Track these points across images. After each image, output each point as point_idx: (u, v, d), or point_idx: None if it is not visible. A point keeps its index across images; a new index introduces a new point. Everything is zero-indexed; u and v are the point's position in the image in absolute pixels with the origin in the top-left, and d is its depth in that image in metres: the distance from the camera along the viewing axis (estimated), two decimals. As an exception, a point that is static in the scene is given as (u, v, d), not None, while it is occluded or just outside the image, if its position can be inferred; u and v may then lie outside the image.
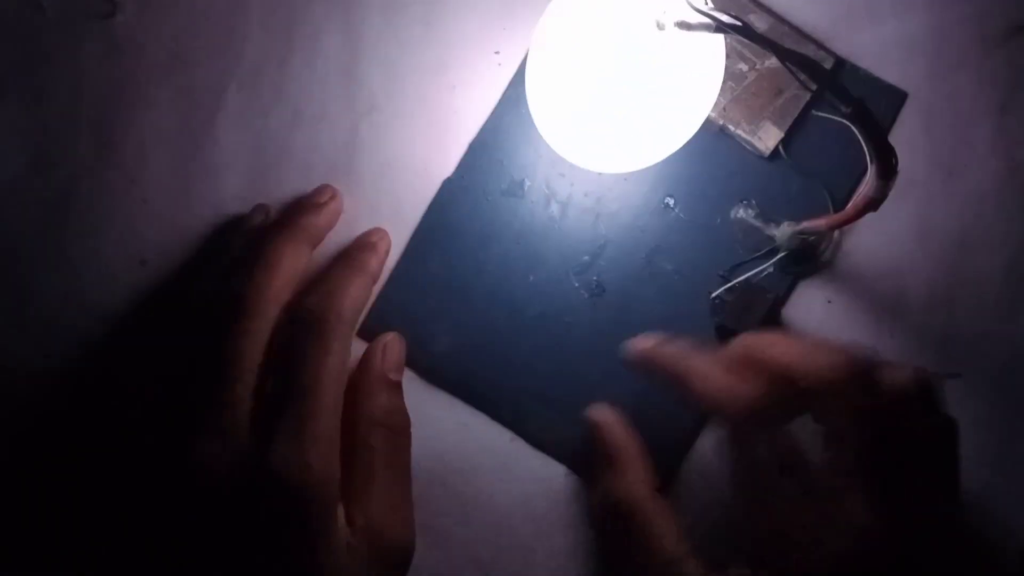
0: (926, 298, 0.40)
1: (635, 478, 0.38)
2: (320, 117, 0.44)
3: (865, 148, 0.32)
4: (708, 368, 0.36)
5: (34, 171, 0.43)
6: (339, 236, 0.42)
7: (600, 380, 0.41)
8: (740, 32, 0.32)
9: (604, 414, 0.40)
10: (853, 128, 0.32)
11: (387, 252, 0.42)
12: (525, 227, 0.42)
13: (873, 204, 0.34)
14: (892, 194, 0.34)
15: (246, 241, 0.41)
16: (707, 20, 0.32)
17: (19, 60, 0.43)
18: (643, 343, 0.39)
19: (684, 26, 0.33)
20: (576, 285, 0.41)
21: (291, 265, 0.38)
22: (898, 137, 0.43)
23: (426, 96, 0.43)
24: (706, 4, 0.33)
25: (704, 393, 0.36)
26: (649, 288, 0.41)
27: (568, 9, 0.36)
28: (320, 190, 0.42)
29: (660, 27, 0.34)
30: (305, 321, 0.36)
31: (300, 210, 0.41)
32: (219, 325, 0.36)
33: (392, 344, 0.40)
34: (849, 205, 0.36)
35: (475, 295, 0.41)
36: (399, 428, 0.39)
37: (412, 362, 0.41)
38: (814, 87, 0.37)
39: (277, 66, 0.44)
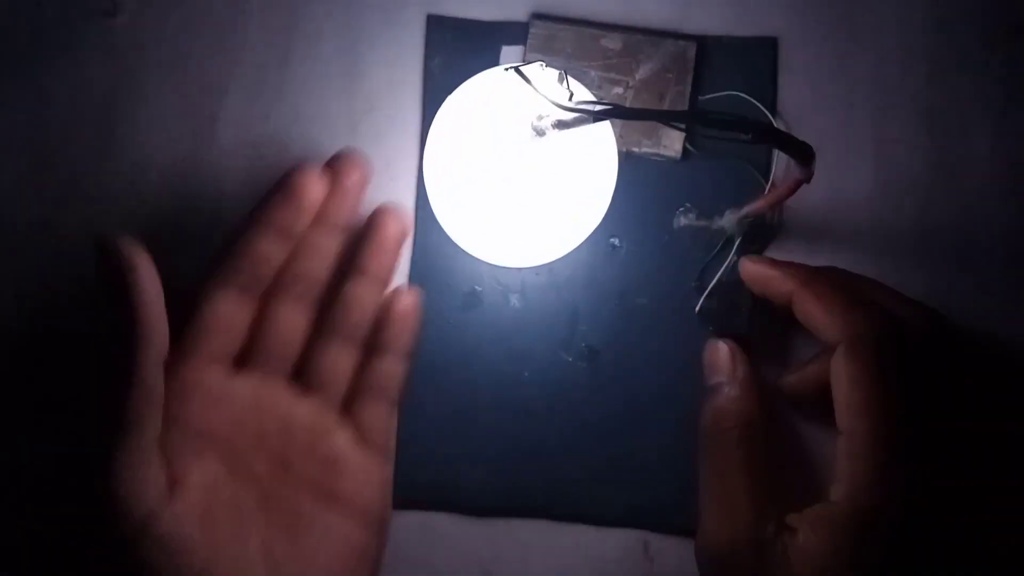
0: (922, 296, 0.40)
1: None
2: (320, 117, 0.44)
3: (780, 151, 0.34)
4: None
5: (34, 171, 0.43)
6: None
7: (638, 432, 0.41)
8: (614, 115, 0.33)
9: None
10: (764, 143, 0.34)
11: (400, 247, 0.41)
12: (497, 331, 0.41)
13: (806, 181, 0.35)
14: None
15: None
16: (581, 115, 0.33)
17: (19, 60, 0.43)
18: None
19: (561, 126, 0.34)
20: (570, 359, 0.41)
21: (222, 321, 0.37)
22: (898, 137, 0.43)
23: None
24: (570, 97, 0.34)
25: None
26: (635, 329, 0.41)
27: (451, 126, 0.37)
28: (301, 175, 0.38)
29: (540, 133, 0.35)
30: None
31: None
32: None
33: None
34: (781, 187, 0.37)
35: (482, 416, 0.41)
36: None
37: (454, 506, 0.41)
38: (713, 133, 0.39)
39: (277, 66, 0.44)
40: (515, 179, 0.35)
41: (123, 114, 0.43)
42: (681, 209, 0.42)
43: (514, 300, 0.41)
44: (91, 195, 0.43)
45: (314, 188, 0.37)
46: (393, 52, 0.44)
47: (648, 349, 0.41)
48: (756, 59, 0.43)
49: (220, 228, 0.43)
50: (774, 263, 0.39)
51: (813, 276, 0.38)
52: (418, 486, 0.40)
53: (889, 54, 0.43)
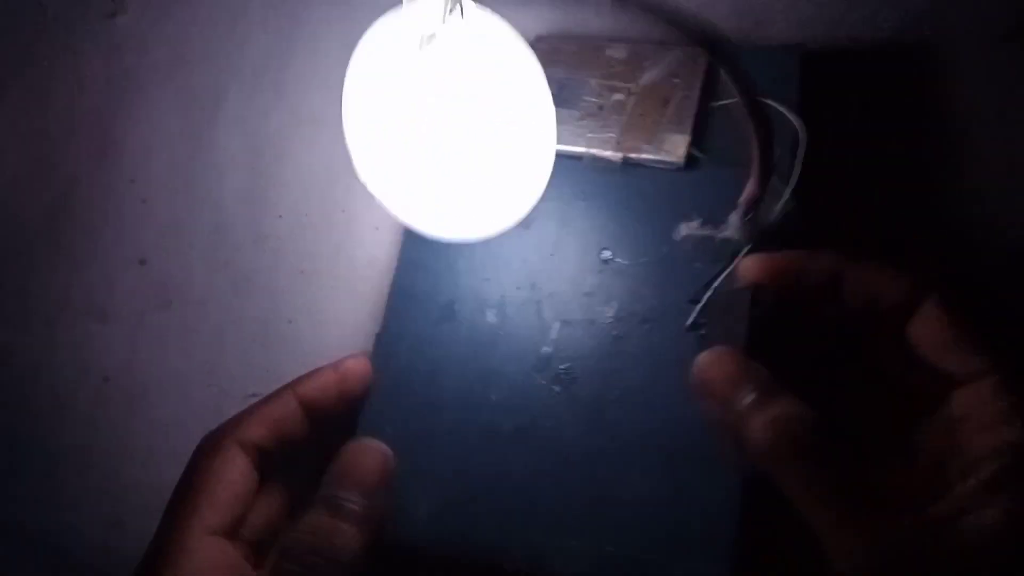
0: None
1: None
2: (320, 118, 0.44)
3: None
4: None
5: (34, 171, 0.43)
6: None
7: (612, 475, 0.34)
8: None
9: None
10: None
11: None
12: (469, 347, 0.37)
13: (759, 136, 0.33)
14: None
15: None
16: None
17: (20, 60, 0.43)
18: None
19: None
20: (544, 382, 0.36)
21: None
22: (899, 137, 0.43)
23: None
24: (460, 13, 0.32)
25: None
26: (623, 353, 0.36)
27: (361, 80, 0.34)
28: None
29: (428, 40, 0.32)
30: None
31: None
32: None
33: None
34: (756, 158, 0.34)
35: (440, 440, 0.36)
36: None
37: (389, 541, 0.34)
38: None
39: (277, 66, 0.44)
40: (435, 119, 0.32)
41: (123, 114, 0.43)
42: (684, 217, 0.38)
43: (491, 315, 0.38)
44: (91, 195, 0.43)
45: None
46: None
47: (635, 375, 0.36)
48: (780, 66, 0.39)
49: (220, 228, 0.43)
50: (793, 253, 0.35)
51: (850, 253, 0.34)
52: None
53: (889, 53, 0.43)
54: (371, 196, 0.43)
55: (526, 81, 0.34)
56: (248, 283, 0.43)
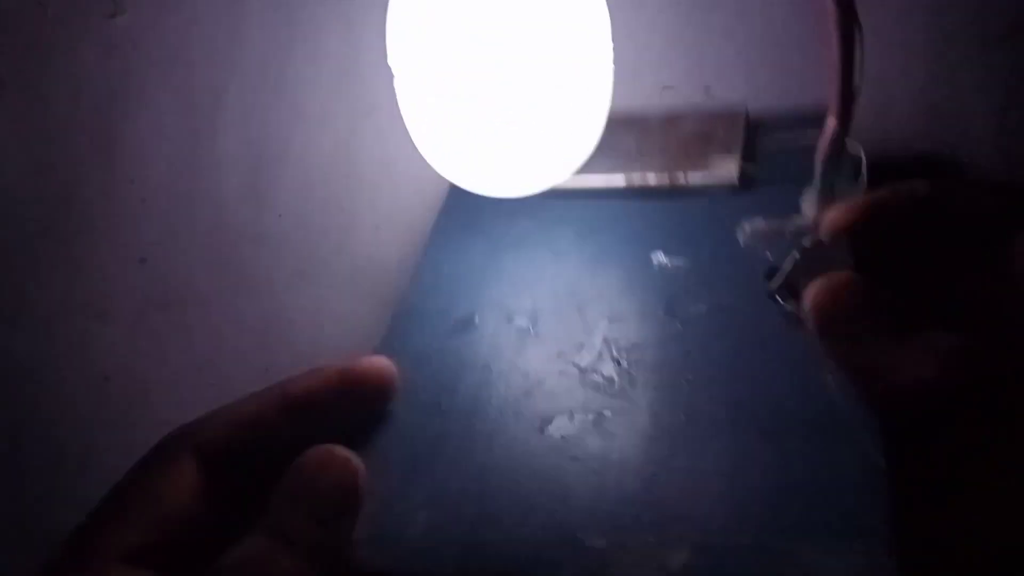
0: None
1: None
2: (320, 117, 0.44)
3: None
4: None
5: (34, 171, 0.43)
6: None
7: (705, 462, 0.27)
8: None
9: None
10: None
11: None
12: (489, 355, 0.32)
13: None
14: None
15: None
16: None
17: (20, 59, 0.43)
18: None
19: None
20: (602, 379, 0.31)
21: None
22: (899, 136, 0.43)
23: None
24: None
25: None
26: (684, 342, 0.32)
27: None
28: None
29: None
30: None
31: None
32: None
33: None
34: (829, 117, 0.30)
35: (464, 450, 0.29)
36: None
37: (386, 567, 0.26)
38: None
39: (277, 66, 0.44)
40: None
41: (123, 114, 0.43)
42: (745, 218, 0.34)
43: (520, 320, 0.34)
44: (91, 195, 0.43)
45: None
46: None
47: (710, 357, 0.31)
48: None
49: (220, 228, 0.43)
50: (879, 190, 0.31)
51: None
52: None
53: (889, 54, 0.43)
54: (374, 192, 0.43)
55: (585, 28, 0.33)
56: (248, 283, 0.43)
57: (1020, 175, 0.43)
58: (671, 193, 0.36)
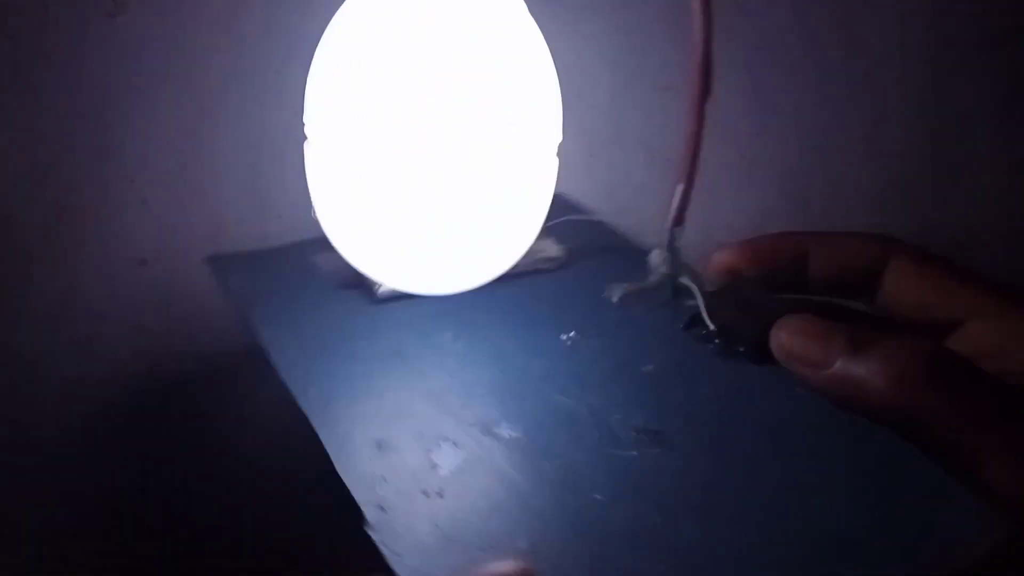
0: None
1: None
2: (320, 117, 0.44)
3: None
4: None
5: (34, 171, 0.43)
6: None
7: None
8: None
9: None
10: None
11: None
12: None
13: None
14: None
15: None
16: None
17: (20, 59, 0.43)
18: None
19: None
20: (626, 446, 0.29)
21: None
22: (899, 136, 0.43)
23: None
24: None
25: None
26: (660, 399, 0.32)
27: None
28: None
29: None
30: None
31: None
32: None
33: None
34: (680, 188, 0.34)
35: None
36: None
37: None
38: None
39: (277, 66, 0.44)
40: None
41: (123, 114, 0.43)
42: (605, 294, 0.36)
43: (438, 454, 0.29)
44: (91, 195, 0.43)
45: None
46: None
47: (683, 416, 0.31)
48: None
49: (220, 228, 0.43)
50: (761, 236, 0.35)
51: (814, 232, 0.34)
52: None
53: (889, 54, 0.43)
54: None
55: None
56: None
57: (1020, 176, 0.43)
58: (507, 277, 0.36)
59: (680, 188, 0.35)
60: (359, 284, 0.36)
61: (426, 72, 0.29)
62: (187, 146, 0.43)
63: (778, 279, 0.34)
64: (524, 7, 0.32)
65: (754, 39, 0.44)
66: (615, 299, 0.36)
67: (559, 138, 0.34)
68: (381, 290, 0.35)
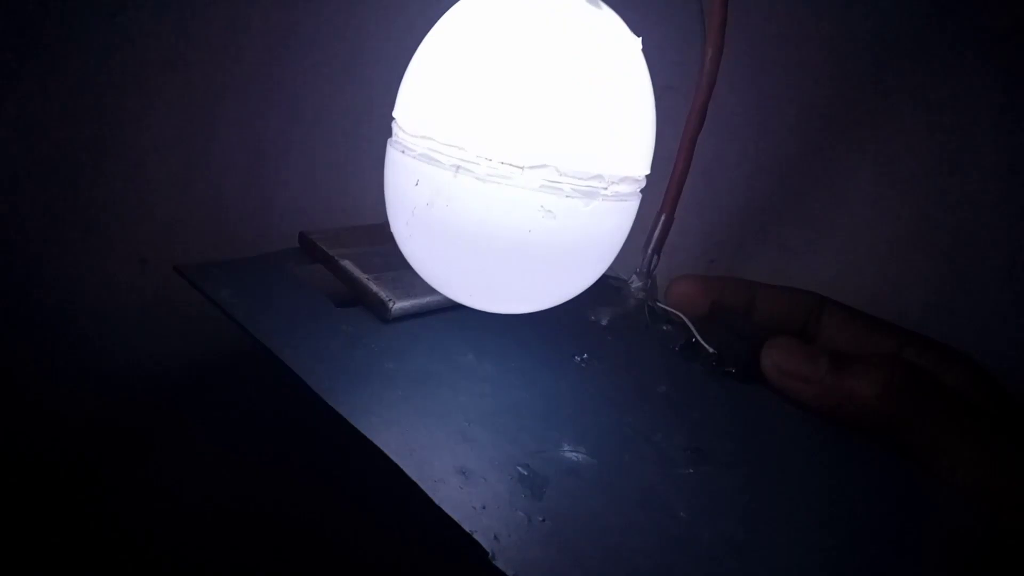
0: (922, 295, 0.40)
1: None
2: (320, 117, 0.44)
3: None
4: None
5: (34, 171, 0.43)
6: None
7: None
8: None
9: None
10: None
11: None
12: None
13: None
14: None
15: None
16: None
17: (20, 59, 0.43)
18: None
19: None
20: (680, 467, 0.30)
21: None
22: (898, 135, 0.43)
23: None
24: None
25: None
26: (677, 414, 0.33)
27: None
28: None
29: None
30: None
31: None
32: None
33: None
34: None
35: None
36: None
37: None
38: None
39: (277, 66, 0.44)
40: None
41: (123, 114, 0.43)
42: (592, 318, 0.39)
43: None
44: (91, 195, 0.43)
45: None
46: (394, 51, 0.44)
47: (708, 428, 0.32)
48: None
49: (220, 227, 0.43)
50: (715, 277, 0.39)
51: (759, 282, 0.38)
52: None
53: (889, 54, 0.43)
54: (375, 189, 0.43)
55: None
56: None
57: (1021, 176, 0.43)
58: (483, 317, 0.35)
59: (663, 218, 0.38)
60: (356, 302, 0.36)
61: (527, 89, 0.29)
62: (187, 146, 0.43)
63: (725, 316, 0.37)
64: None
65: (755, 39, 0.44)
66: (603, 322, 0.39)
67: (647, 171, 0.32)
68: (395, 308, 0.35)
